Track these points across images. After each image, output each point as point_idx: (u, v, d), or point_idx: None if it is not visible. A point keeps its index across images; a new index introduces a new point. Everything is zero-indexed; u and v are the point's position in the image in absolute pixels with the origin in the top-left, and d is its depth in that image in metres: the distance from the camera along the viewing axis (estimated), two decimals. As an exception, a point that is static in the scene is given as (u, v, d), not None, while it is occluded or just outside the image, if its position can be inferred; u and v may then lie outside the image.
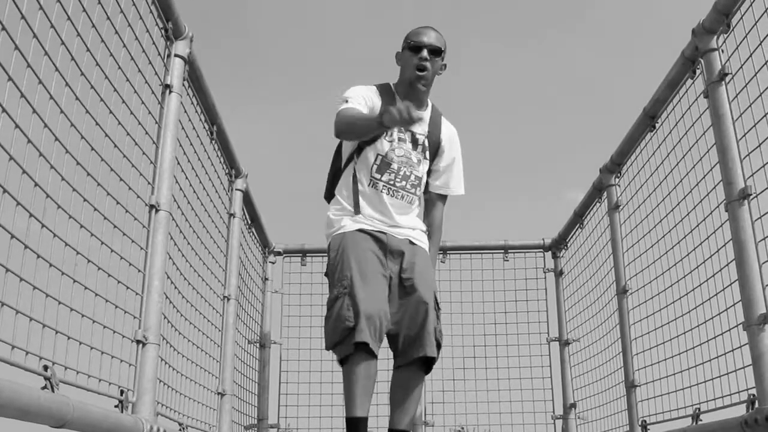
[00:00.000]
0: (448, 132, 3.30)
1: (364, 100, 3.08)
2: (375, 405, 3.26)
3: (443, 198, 3.35)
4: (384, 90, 3.20)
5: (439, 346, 3.00)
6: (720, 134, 2.76)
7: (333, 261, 3.03)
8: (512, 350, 5.10)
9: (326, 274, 3.13)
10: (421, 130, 3.19)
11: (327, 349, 2.94)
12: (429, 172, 3.27)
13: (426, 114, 3.21)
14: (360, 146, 3.12)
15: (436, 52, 3.11)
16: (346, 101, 3.05)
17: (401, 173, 3.11)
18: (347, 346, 2.81)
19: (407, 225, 3.13)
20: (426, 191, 3.32)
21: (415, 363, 2.99)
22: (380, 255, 3.00)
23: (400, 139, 3.13)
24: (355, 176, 3.12)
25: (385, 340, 3.00)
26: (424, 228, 3.26)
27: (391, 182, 3.10)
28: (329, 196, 3.27)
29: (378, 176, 3.09)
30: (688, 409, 3.04)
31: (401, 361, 3.02)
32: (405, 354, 2.99)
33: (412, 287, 2.98)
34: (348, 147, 3.19)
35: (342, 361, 2.88)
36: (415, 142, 3.16)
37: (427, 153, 3.20)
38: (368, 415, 2.87)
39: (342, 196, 3.15)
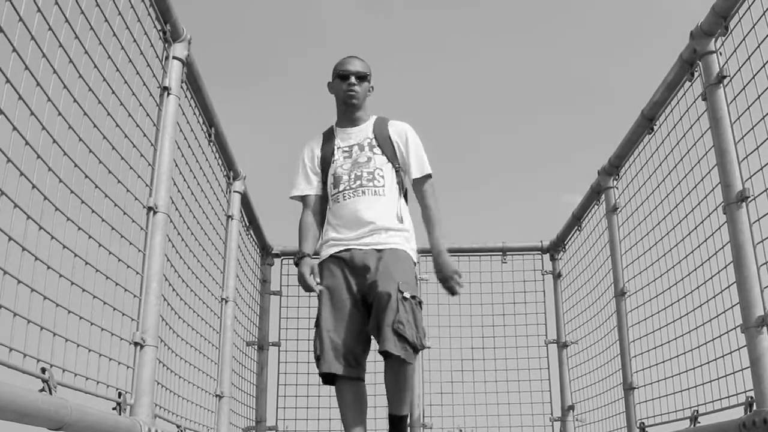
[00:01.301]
0: (397, 128, 3.52)
1: (306, 174, 3.52)
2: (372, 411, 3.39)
3: (419, 181, 3.43)
4: (326, 133, 3.57)
5: (402, 337, 3.01)
6: (718, 137, 2.76)
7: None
8: (510, 352, 5.10)
9: None
10: (360, 139, 3.47)
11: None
12: (398, 167, 3.44)
13: (368, 124, 3.52)
14: (323, 180, 3.48)
15: (362, 77, 3.48)
16: (294, 185, 3.53)
17: (352, 176, 3.38)
18: (319, 369, 3.18)
19: (374, 229, 3.27)
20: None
21: (385, 357, 3.09)
22: (347, 277, 3.25)
23: (345, 157, 3.44)
24: (329, 205, 3.45)
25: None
26: (396, 229, 3.31)
27: (347, 188, 3.36)
28: None
29: (336, 190, 3.40)
30: (686, 411, 3.05)
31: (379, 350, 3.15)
32: (379, 345, 3.11)
33: (375, 285, 3.13)
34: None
35: (326, 383, 3.23)
36: (360, 147, 3.44)
37: (377, 149, 3.43)
38: (364, 429, 3.23)
39: (325, 227, 3.46)
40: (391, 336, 3.00)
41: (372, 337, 3.19)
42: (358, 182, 3.34)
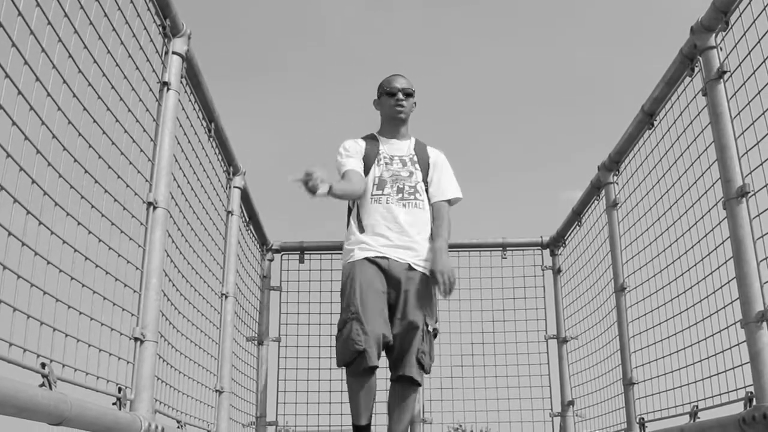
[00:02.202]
0: (434, 154, 3.80)
1: (357, 158, 3.65)
2: (375, 414, 3.58)
3: (443, 203, 3.71)
4: (369, 137, 3.77)
5: (422, 366, 3.38)
6: (718, 132, 2.76)
7: (343, 286, 3.48)
8: (510, 348, 5.10)
9: (341, 295, 3.52)
10: (404, 153, 3.72)
11: (338, 366, 3.39)
12: (427, 186, 3.70)
13: (410, 143, 3.78)
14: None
15: (409, 94, 3.72)
16: (342, 166, 3.64)
17: (395, 187, 3.59)
18: (357, 366, 3.27)
19: (410, 243, 3.49)
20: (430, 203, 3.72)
21: (402, 379, 3.40)
22: (382, 281, 3.43)
23: (386, 163, 3.64)
24: (359, 203, 3.62)
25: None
26: (425, 246, 3.55)
27: (391, 194, 3.56)
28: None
29: (379, 192, 3.57)
30: (686, 406, 3.05)
31: (393, 376, 3.46)
32: (395, 370, 3.43)
33: (405, 313, 3.38)
34: None
35: (346, 368, 3.35)
36: (403, 162, 3.67)
37: (417, 165, 3.69)
38: (370, 422, 3.42)
39: (352, 225, 3.61)
40: (415, 364, 3.36)
41: (392, 355, 3.43)
42: (400, 195, 3.57)
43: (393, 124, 3.74)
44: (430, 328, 3.44)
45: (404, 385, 3.41)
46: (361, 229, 3.54)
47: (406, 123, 3.76)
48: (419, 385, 3.43)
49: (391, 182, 3.58)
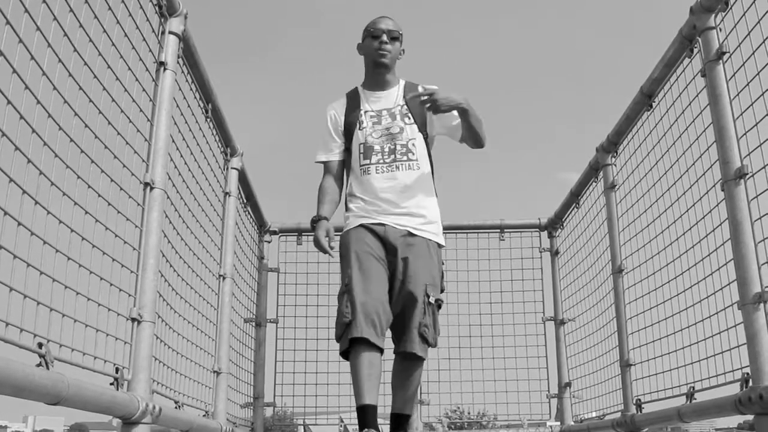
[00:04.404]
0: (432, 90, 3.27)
1: (329, 140, 3.39)
2: (382, 395, 3.50)
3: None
4: (351, 95, 3.44)
5: (425, 340, 3.10)
6: (717, 113, 2.75)
7: (341, 258, 3.23)
8: (508, 329, 5.13)
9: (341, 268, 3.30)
10: (390, 104, 3.36)
11: (336, 341, 3.12)
12: (427, 135, 3.34)
13: (398, 88, 3.41)
14: (346, 147, 3.36)
15: (395, 37, 3.34)
16: (318, 153, 3.40)
17: (386, 149, 3.27)
18: (345, 340, 3.01)
19: (409, 209, 3.21)
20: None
21: (405, 355, 3.15)
22: (380, 248, 3.16)
23: (374, 123, 3.32)
24: (349, 175, 3.36)
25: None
26: (430, 208, 3.27)
27: (381, 161, 3.26)
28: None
29: (366, 161, 3.26)
30: (682, 387, 3.06)
31: (395, 350, 3.21)
32: (396, 345, 3.19)
33: (404, 283, 3.13)
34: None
35: (344, 354, 3.07)
36: (392, 116, 3.33)
37: (408, 118, 3.32)
38: (376, 403, 3.04)
39: (348, 201, 3.33)
40: (417, 338, 3.09)
41: (394, 329, 3.18)
42: (392, 156, 3.25)
43: (376, 72, 3.37)
44: (432, 299, 3.15)
45: (407, 361, 3.17)
46: (357, 202, 3.27)
47: (391, 69, 3.39)
48: (423, 360, 3.17)
49: (381, 144, 3.27)
